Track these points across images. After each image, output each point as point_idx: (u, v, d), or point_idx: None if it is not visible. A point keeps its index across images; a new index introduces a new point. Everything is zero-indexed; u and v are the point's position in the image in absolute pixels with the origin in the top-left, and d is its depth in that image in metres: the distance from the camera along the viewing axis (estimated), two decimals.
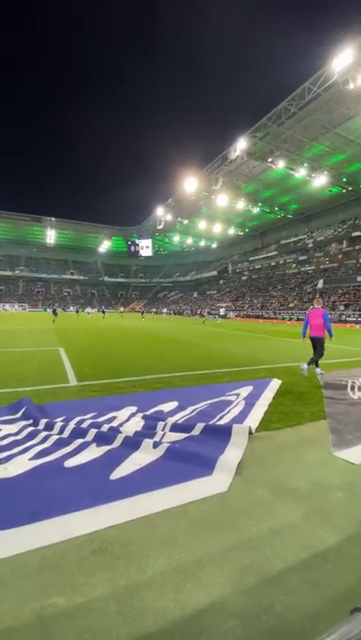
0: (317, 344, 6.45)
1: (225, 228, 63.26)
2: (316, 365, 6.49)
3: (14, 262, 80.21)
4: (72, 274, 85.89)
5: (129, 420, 3.82)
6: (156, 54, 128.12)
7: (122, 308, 56.58)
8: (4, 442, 3.17)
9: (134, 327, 22.57)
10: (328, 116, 28.43)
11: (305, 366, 6.32)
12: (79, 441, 3.14)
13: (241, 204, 48.30)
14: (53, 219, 70.75)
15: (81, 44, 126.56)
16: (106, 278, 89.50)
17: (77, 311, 47.97)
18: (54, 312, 28.47)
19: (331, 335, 6.39)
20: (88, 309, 52.38)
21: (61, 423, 3.55)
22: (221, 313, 33.53)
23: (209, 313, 50.14)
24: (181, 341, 13.56)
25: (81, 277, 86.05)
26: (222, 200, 44.74)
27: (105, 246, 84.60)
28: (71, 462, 2.77)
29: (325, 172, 37.39)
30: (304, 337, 6.70)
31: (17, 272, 78.47)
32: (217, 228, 61.45)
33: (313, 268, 46.92)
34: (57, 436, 3.26)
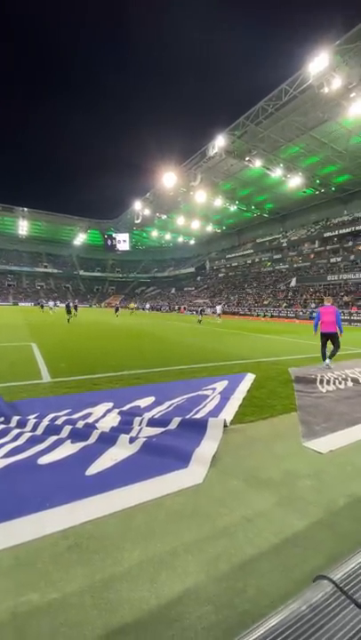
0: (332, 339, 6.94)
1: (203, 225, 63.49)
2: (330, 357, 6.95)
3: None
4: (45, 267, 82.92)
5: (105, 416, 3.79)
6: (135, 51, 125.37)
7: (133, 304, 44.81)
8: None
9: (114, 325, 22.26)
10: (303, 118, 29.17)
11: (328, 361, 6.89)
12: (53, 438, 3.08)
13: (219, 202, 48.61)
14: (26, 209, 67.81)
15: (55, 39, 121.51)
16: (81, 272, 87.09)
17: (42, 306, 37.48)
18: (70, 308, 21.58)
19: (341, 331, 6.91)
20: (51, 303, 38.05)
21: (34, 420, 3.47)
22: (218, 311, 26.93)
23: (187, 309, 50.16)
24: (159, 337, 13.55)
25: (55, 271, 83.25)
26: (200, 196, 44.84)
27: (80, 239, 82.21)
28: (45, 459, 2.72)
29: (300, 174, 38.43)
30: (316, 332, 7.19)
31: None
32: (195, 225, 61.54)
33: (287, 266, 48.28)
34: (30, 434, 3.18)
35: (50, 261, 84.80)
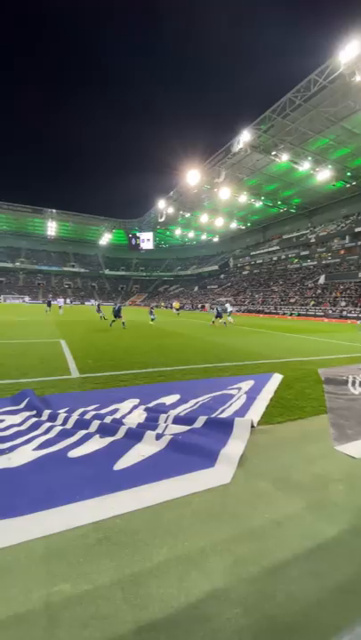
0: None
1: (227, 222, 62.81)
2: None
3: (15, 254, 79.94)
4: (73, 266, 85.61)
5: (131, 412, 3.84)
6: (159, 46, 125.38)
7: (177, 304, 35.65)
8: (8, 432, 3.19)
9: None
10: (333, 108, 28.01)
11: None
12: (82, 432, 3.16)
13: (243, 198, 47.85)
14: (54, 210, 70.34)
15: (81, 38, 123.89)
16: (106, 271, 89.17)
17: (49, 303, 29.93)
18: (118, 311, 16.82)
19: None
20: (60, 301, 31.72)
21: (65, 414, 3.57)
22: (229, 309, 21.33)
23: (211, 307, 49.80)
24: (182, 335, 13.56)
25: (82, 270, 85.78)
26: (225, 193, 44.32)
27: (106, 239, 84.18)
28: (75, 453, 2.79)
29: (329, 166, 36.98)
30: None
31: (17, 264, 78.23)
32: (219, 222, 60.99)
33: (315, 263, 46.72)
34: (60, 427, 3.28)
35: (77, 261, 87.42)
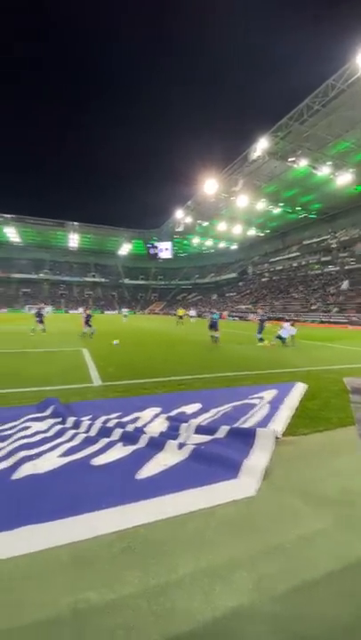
0: None
1: (245, 230, 62.56)
2: None
3: (39, 265, 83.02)
4: (94, 276, 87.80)
5: (153, 421, 3.85)
6: (177, 55, 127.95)
7: (181, 310, 28.95)
8: (35, 439, 3.28)
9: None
10: (353, 112, 27.56)
11: None
12: (105, 440, 3.20)
13: (261, 205, 47.63)
14: (76, 223, 72.65)
15: (100, 49, 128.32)
16: (126, 280, 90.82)
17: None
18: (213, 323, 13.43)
19: None
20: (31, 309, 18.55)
21: (88, 422, 3.63)
22: (288, 332, 12.84)
23: (229, 315, 49.32)
24: (202, 343, 13.50)
25: (102, 280, 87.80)
26: (242, 201, 44.29)
27: (125, 249, 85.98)
28: (98, 460, 2.83)
29: (350, 170, 36.21)
30: None
31: (41, 275, 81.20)
32: (237, 230, 60.87)
33: (337, 268, 45.50)
34: (84, 435, 3.34)
35: (97, 271, 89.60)
